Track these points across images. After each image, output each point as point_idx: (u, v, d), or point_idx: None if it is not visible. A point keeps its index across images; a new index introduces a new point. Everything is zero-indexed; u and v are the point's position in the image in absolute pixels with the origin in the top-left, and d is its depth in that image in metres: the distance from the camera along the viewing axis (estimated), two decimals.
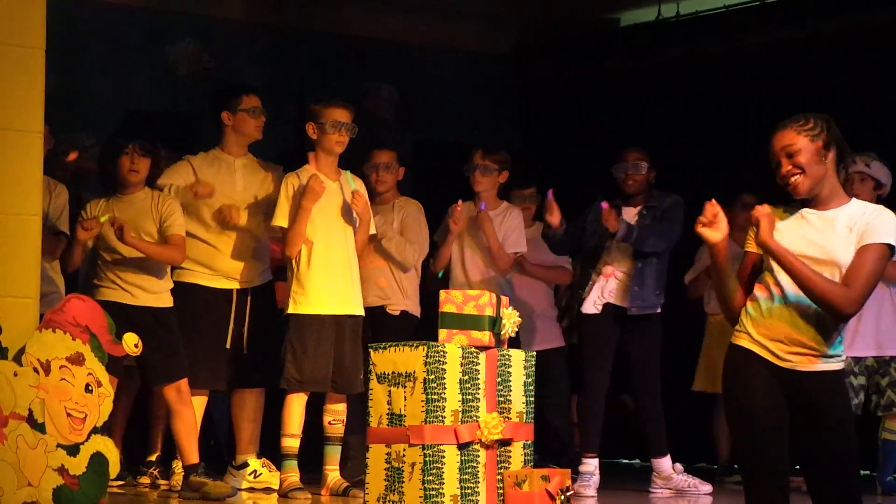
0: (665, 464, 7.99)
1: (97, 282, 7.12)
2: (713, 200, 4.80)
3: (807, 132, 4.71)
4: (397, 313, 7.87)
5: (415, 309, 7.97)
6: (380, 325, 7.70)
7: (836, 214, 4.70)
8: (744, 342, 4.74)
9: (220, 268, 7.46)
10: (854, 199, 4.79)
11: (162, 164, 7.33)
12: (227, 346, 7.43)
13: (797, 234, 4.71)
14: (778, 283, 4.70)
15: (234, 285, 7.49)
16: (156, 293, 7.12)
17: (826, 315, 4.65)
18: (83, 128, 9.14)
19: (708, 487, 7.96)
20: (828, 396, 4.71)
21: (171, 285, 7.22)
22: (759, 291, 4.74)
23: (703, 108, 10.55)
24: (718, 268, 4.79)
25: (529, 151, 8.48)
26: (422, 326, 7.82)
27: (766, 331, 4.70)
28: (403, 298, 7.90)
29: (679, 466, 8.03)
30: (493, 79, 11.71)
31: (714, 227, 4.72)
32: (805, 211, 4.74)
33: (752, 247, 4.83)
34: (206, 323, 7.43)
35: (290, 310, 7.23)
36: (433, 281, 8.11)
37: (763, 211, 4.69)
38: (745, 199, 9.09)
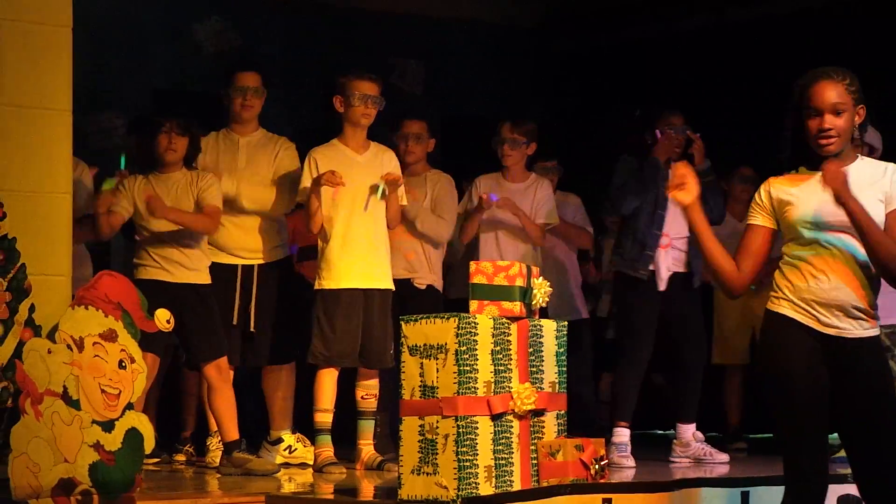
0: (689, 431, 7.97)
1: (138, 260, 7.01)
2: (684, 162, 4.72)
3: (853, 92, 4.65)
4: (423, 287, 7.85)
5: (439, 284, 7.96)
6: (406, 299, 7.64)
7: (848, 172, 4.62)
8: (784, 309, 4.65)
9: (225, 244, 7.40)
10: (861, 156, 4.73)
11: (198, 142, 7.17)
12: (234, 322, 7.38)
13: (820, 199, 4.61)
14: (827, 246, 4.61)
15: (240, 261, 7.45)
16: (195, 270, 7.02)
17: (872, 279, 4.60)
18: (110, 107, 9.17)
19: (725, 457, 7.94)
20: (872, 362, 4.65)
21: (209, 262, 7.14)
22: (798, 255, 4.65)
23: (730, 78, 10.49)
24: (698, 231, 4.69)
25: (556, 123, 8.47)
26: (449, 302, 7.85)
27: (811, 296, 4.61)
28: (430, 273, 7.88)
29: (699, 434, 8.02)
30: (519, 52, 11.69)
31: (684, 188, 4.64)
32: (819, 175, 4.63)
33: (759, 220, 4.74)
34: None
35: (316, 285, 7.24)
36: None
37: (834, 167, 4.55)
38: (743, 171, 9.02)
